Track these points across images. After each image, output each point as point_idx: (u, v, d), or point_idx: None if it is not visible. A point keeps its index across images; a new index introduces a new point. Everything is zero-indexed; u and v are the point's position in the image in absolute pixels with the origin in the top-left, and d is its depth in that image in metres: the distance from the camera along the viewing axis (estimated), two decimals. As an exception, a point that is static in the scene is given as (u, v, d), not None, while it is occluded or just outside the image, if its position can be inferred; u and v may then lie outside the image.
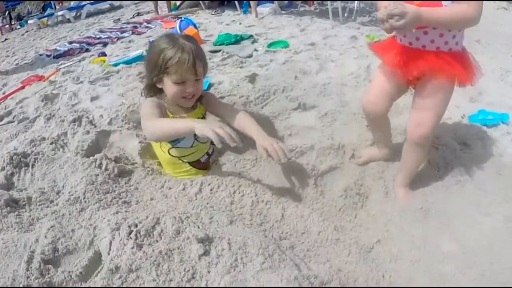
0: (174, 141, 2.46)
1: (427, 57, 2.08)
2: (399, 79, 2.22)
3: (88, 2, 13.09)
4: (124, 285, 1.58)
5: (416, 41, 2.11)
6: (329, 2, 7.00)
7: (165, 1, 10.05)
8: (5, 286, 1.61)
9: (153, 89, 2.51)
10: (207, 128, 1.97)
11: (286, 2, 8.32)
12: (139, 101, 3.35)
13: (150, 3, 10.46)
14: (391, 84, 2.29)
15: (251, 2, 7.70)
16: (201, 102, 2.63)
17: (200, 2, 9.41)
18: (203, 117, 2.60)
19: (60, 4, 13.14)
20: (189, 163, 2.51)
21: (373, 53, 2.45)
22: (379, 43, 2.43)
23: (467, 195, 2.32)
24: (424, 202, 2.31)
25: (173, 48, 2.28)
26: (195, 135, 2.32)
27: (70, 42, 7.70)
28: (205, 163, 2.56)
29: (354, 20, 7.01)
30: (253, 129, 2.39)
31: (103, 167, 2.41)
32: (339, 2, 6.82)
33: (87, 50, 6.75)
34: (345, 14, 7.18)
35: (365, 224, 2.20)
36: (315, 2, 8.78)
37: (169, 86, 2.36)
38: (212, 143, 2.38)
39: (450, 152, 2.57)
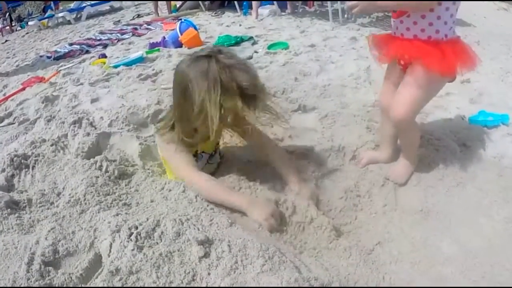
0: None
1: (401, 44, 2.17)
2: (382, 63, 2.39)
3: (89, 3, 13.10)
4: (124, 287, 1.58)
5: (396, 30, 2.21)
6: (329, 4, 7.00)
7: (165, 3, 10.05)
8: (5, 287, 1.62)
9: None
10: (260, 216, 1.94)
11: (286, 3, 8.31)
12: (139, 103, 3.37)
13: (150, 4, 10.48)
14: (397, 75, 2.34)
15: (253, 3, 7.70)
16: None
17: (200, 3, 9.42)
18: (218, 145, 2.57)
19: (56, 9, 13.12)
20: None
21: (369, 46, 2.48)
22: (376, 37, 2.45)
23: (468, 196, 2.32)
24: (424, 203, 2.31)
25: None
26: (209, 159, 2.44)
27: (71, 44, 7.73)
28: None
29: (354, 21, 7.02)
30: (291, 179, 2.30)
31: (104, 169, 2.41)
32: (339, 3, 6.82)
33: (87, 52, 6.77)
34: (345, 16, 7.19)
35: (365, 226, 2.20)
36: (315, 3, 8.79)
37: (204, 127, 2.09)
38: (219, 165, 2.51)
39: (451, 154, 2.57)
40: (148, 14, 10.55)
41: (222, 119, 2.01)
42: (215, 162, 2.59)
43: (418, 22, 2.07)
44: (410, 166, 2.46)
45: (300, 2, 8.45)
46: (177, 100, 2.15)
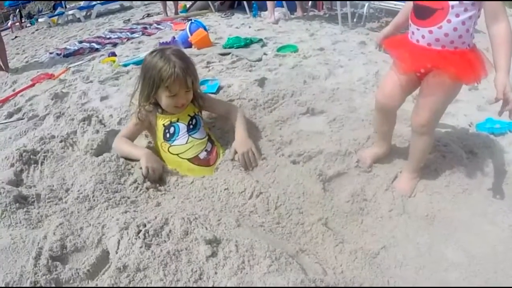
0: (170, 139, 2.69)
1: (429, 55, 2.15)
2: (408, 73, 2.32)
3: (99, 2, 13.15)
4: (131, 284, 1.59)
5: (422, 39, 2.17)
6: (338, 7, 7.00)
7: (172, 2, 10.06)
8: (13, 281, 1.63)
9: (148, 100, 2.69)
10: (142, 163, 2.48)
11: (295, 6, 8.32)
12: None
13: (160, 4, 10.49)
14: (403, 78, 2.34)
15: (268, 5, 7.68)
16: (194, 104, 2.84)
17: (210, 4, 9.43)
18: (195, 115, 2.78)
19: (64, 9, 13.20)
20: (188, 159, 2.62)
21: (385, 48, 2.50)
22: (391, 39, 2.46)
23: (473, 203, 2.32)
24: (430, 209, 2.31)
25: (167, 66, 2.49)
26: (188, 130, 2.70)
27: (80, 42, 7.75)
28: (205, 160, 2.64)
29: (363, 25, 7.01)
30: (237, 130, 2.78)
31: (112, 167, 2.43)
32: (348, 7, 6.82)
33: (97, 50, 6.78)
34: (354, 20, 7.18)
35: (371, 230, 2.20)
36: (324, 6, 8.80)
37: (163, 98, 2.60)
38: (208, 140, 2.71)
39: (457, 160, 2.58)
40: (158, 13, 10.57)
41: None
42: (202, 138, 2.72)
43: (449, 34, 2.08)
44: (416, 178, 2.47)
45: (310, 5, 8.45)
46: (142, 78, 2.67)
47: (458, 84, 2.20)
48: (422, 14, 2.14)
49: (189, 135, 2.68)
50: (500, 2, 1.98)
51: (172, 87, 2.54)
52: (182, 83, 2.56)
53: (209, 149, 2.69)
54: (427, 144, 2.39)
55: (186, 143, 2.66)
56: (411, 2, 2.23)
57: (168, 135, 2.69)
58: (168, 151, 2.67)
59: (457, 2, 2.00)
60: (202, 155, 2.64)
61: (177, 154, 2.65)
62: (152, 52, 2.67)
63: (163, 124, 2.70)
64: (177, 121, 2.71)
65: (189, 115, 2.74)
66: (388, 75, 2.45)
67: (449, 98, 2.27)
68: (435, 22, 2.08)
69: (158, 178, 2.52)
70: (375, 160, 2.63)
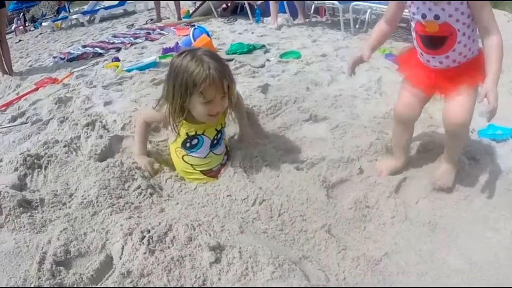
0: (189, 149, 2.52)
1: (451, 76, 2.27)
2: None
3: (102, 6, 13.20)
4: (135, 289, 1.60)
5: (440, 64, 2.28)
6: (340, 13, 7.02)
7: (174, 8, 10.10)
8: (16, 285, 1.64)
9: (181, 111, 2.39)
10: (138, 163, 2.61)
11: (297, 12, 8.34)
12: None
13: (164, 9, 10.53)
14: (424, 94, 2.41)
15: (272, 11, 7.71)
16: (224, 112, 2.59)
17: (213, 10, 9.46)
18: (221, 129, 2.61)
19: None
20: (201, 171, 2.55)
21: (399, 70, 2.58)
22: (405, 60, 2.50)
23: (475, 210, 2.31)
24: (432, 216, 2.31)
25: (201, 68, 2.21)
26: (211, 145, 2.50)
27: (84, 46, 7.78)
28: (216, 172, 2.57)
29: (365, 31, 7.02)
30: (241, 131, 2.89)
31: (116, 172, 2.43)
32: (350, 13, 6.84)
33: (100, 55, 6.81)
34: (357, 26, 7.20)
35: (374, 237, 2.20)
36: (326, 13, 8.82)
37: (196, 106, 2.31)
38: (225, 153, 2.60)
39: (459, 167, 2.58)
40: (162, 19, 10.60)
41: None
42: (221, 154, 2.61)
43: (462, 51, 2.20)
44: (454, 169, 2.48)
45: (312, 11, 8.47)
46: (171, 83, 2.36)
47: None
48: (433, 44, 2.24)
49: (210, 150, 2.55)
50: (492, 17, 2.08)
51: (207, 92, 2.24)
52: (219, 87, 2.27)
53: (223, 162, 2.62)
54: (464, 138, 2.46)
55: (205, 157, 2.54)
56: (381, 25, 2.45)
57: (188, 144, 2.52)
58: (182, 158, 2.55)
59: (461, 23, 2.11)
60: (216, 168, 2.58)
61: (191, 164, 2.55)
62: (180, 54, 2.35)
63: (187, 133, 2.49)
64: (203, 133, 2.50)
65: (216, 129, 2.55)
66: (404, 87, 2.48)
67: (476, 94, 2.31)
68: (449, 48, 2.20)
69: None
70: (391, 173, 2.62)
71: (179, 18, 9.90)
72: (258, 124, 3.12)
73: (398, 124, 2.56)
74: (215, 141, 2.56)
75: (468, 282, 1.90)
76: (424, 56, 2.32)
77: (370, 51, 2.46)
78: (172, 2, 10.15)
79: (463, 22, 2.10)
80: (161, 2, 10.73)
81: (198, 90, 2.22)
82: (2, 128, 3.74)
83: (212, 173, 2.56)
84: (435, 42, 2.21)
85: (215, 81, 2.21)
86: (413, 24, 2.30)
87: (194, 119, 2.44)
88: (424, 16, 2.17)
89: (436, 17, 2.12)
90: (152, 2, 10.86)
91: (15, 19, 16.19)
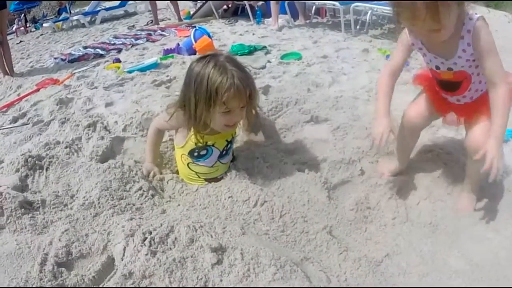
0: (197, 158, 2.45)
1: (469, 105, 2.28)
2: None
3: (103, 7, 13.21)
4: (137, 291, 1.60)
5: (457, 102, 2.31)
6: (341, 15, 7.03)
7: (173, 9, 10.11)
8: (18, 287, 1.64)
9: (209, 123, 2.28)
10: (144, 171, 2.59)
11: (298, 13, 8.35)
12: (154, 109, 3.39)
13: (164, 10, 10.54)
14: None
15: (272, 12, 7.71)
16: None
17: (214, 11, 9.47)
18: (232, 139, 2.55)
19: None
20: (205, 179, 2.51)
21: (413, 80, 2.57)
22: (421, 78, 2.52)
23: (476, 211, 2.32)
24: (433, 217, 2.32)
25: (224, 77, 2.11)
26: (219, 156, 2.45)
27: (85, 47, 7.78)
28: (220, 178, 2.52)
29: (366, 33, 7.04)
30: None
31: (118, 174, 2.43)
32: (351, 14, 6.85)
33: (101, 56, 6.81)
34: (357, 27, 7.22)
35: (375, 238, 2.21)
36: (327, 14, 8.83)
37: (215, 115, 2.20)
38: (232, 161, 2.58)
39: (460, 168, 2.57)
40: (162, 20, 10.61)
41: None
42: (227, 162, 2.57)
43: (478, 89, 2.20)
44: (476, 197, 2.43)
45: (313, 12, 8.48)
46: (190, 91, 2.23)
47: None
48: (450, 88, 2.26)
49: (218, 160, 2.49)
50: (497, 68, 2.02)
51: (230, 102, 2.13)
52: (242, 97, 2.17)
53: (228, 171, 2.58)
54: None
55: (212, 167, 2.49)
56: (386, 81, 2.31)
57: (196, 154, 2.44)
58: (188, 165, 2.50)
59: (474, 67, 2.10)
60: (221, 176, 2.52)
61: (195, 172, 2.51)
62: (200, 60, 2.23)
63: (196, 143, 2.38)
64: (213, 145, 2.43)
65: (226, 140, 2.48)
66: (422, 96, 2.46)
67: None
68: (464, 89, 2.22)
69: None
70: (392, 175, 2.62)
71: (180, 19, 9.90)
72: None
73: (404, 129, 2.52)
74: (224, 152, 2.50)
75: (469, 283, 1.90)
76: (443, 94, 2.34)
77: (389, 118, 2.31)
78: (173, 2, 10.15)
79: (476, 66, 2.08)
80: (162, 3, 10.73)
81: (221, 100, 2.11)
82: (3, 129, 3.74)
83: (216, 180, 2.51)
84: (451, 86, 2.23)
85: (239, 90, 2.12)
86: (427, 67, 2.32)
87: (206, 129, 2.32)
88: (437, 68, 2.18)
89: (449, 69, 2.13)
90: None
91: (16, 20, 16.21)
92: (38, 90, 4.94)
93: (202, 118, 2.21)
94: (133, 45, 7.40)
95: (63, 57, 7.07)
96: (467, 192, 2.41)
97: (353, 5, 6.79)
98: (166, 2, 10.55)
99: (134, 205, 2.24)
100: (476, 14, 1.99)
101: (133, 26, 10.53)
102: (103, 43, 8.07)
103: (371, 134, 2.28)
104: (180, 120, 2.36)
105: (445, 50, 2.07)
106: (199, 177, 2.52)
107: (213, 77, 2.10)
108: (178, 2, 10.15)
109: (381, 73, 2.40)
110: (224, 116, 2.20)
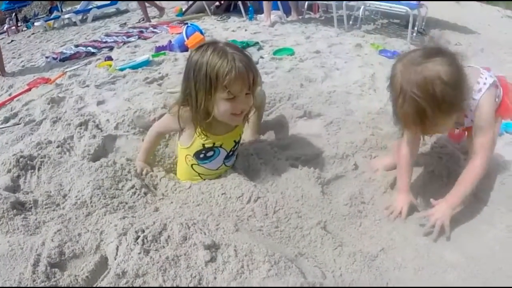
0: (202, 160, 2.40)
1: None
2: None
3: (95, 5, 13.14)
4: (130, 290, 1.59)
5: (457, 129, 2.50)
6: (334, 10, 7.03)
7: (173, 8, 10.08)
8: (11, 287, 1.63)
9: (206, 112, 2.19)
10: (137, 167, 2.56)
11: (290, 9, 8.34)
12: (146, 106, 3.38)
13: (149, 8, 10.48)
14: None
15: (265, 8, 7.69)
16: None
17: (206, 7, 9.43)
18: (239, 140, 2.52)
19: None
20: (207, 179, 2.47)
21: None
22: None
23: (471, 204, 2.32)
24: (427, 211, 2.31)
25: (224, 60, 2.03)
26: (225, 158, 2.43)
27: (77, 46, 7.74)
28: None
29: (359, 28, 7.04)
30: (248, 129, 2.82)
31: (110, 172, 2.42)
32: (344, 9, 6.84)
33: (93, 54, 6.77)
34: (350, 22, 7.21)
35: (370, 233, 2.20)
36: (320, 9, 8.82)
37: (220, 103, 2.11)
38: (235, 162, 2.54)
39: (454, 162, 2.58)
40: (154, 17, 10.55)
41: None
42: (231, 165, 2.54)
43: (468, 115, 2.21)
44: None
45: (305, 8, 8.46)
46: (190, 81, 2.15)
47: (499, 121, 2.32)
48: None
49: (223, 163, 2.46)
50: (484, 145, 2.12)
51: (233, 86, 2.04)
52: (245, 81, 2.07)
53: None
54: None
55: (216, 169, 2.46)
56: (406, 157, 2.34)
57: (202, 155, 2.38)
58: (192, 167, 2.44)
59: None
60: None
61: (198, 173, 2.47)
62: (198, 49, 2.14)
63: (203, 144, 2.33)
64: (221, 146, 2.37)
65: (234, 141, 2.43)
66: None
67: (499, 125, 2.37)
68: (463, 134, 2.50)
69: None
70: (386, 169, 2.61)
71: (148, 20, 9.80)
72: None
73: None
74: (231, 153, 2.46)
75: (464, 276, 1.90)
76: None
77: (410, 194, 2.36)
78: (140, 2, 10.14)
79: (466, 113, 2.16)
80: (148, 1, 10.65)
81: (222, 83, 2.02)
82: (-6, 129, 3.71)
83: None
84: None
85: (241, 73, 2.03)
86: None
87: (214, 129, 2.29)
88: None
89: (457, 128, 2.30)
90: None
91: (7, 19, 16.08)
92: (29, 89, 4.90)
93: (203, 105, 2.13)
94: (125, 43, 7.35)
95: (55, 56, 7.01)
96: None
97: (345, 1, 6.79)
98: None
99: (126, 203, 2.23)
100: (485, 83, 2.10)
101: (125, 23, 10.46)
102: (94, 41, 8.02)
103: (389, 206, 2.32)
104: (185, 119, 2.26)
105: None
106: (201, 178, 2.48)
107: (212, 62, 2.03)
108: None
109: (400, 143, 2.41)
110: (228, 103, 2.11)
